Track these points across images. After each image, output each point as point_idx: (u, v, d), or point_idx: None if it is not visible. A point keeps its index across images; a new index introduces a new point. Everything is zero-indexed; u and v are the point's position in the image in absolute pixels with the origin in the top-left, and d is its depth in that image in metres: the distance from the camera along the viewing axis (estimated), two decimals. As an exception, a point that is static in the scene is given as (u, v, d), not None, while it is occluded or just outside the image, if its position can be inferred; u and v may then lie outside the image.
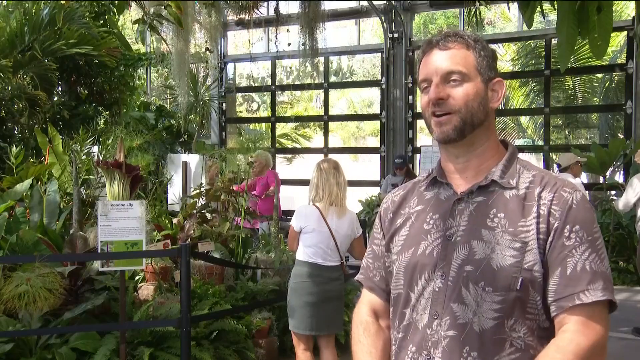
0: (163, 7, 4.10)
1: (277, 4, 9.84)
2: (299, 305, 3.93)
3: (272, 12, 10.28)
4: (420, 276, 1.44)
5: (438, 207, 1.49)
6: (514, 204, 1.39)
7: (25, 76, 8.92)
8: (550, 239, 1.35)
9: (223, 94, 12.20)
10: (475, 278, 1.36)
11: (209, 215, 5.75)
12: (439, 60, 1.45)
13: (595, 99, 13.41)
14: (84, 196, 5.61)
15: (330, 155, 11.39)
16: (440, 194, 1.51)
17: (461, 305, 1.37)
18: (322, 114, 12.39)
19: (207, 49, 9.74)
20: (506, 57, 14.99)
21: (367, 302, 1.63)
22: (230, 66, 12.79)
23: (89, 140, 6.59)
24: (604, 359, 1.34)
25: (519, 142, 15.51)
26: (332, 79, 18.16)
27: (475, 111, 1.43)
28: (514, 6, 9.17)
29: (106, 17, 10.13)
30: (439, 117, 1.43)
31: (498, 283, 1.34)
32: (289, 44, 10.52)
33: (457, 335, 1.36)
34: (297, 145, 17.94)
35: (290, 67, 17.35)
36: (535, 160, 14.35)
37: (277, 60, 12.42)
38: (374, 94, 20.36)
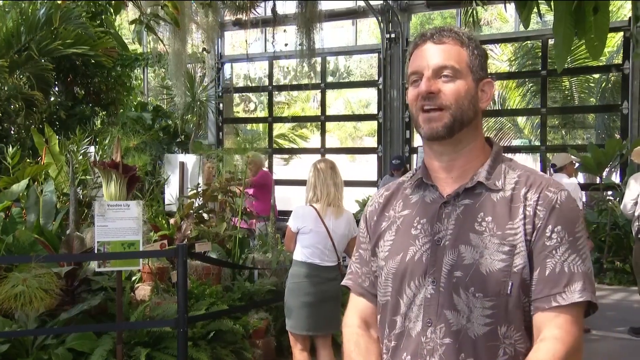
0: (160, 7, 4.09)
1: (274, 4, 9.84)
2: (297, 306, 3.94)
3: (269, 13, 10.28)
4: (410, 283, 1.41)
5: (425, 211, 1.45)
6: (501, 207, 1.37)
7: (21, 76, 8.91)
8: (532, 239, 1.34)
9: (220, 94, 12.18)
10: (465, 284, 1.34)
11: (206, 216, 5.75)
12: (432, 54, 1.41)
13: (591, 99, 13.45)
14: (81, 196, 5.60)
15: (328, 156, 11.38)
16: (426, 196, 1.47)
17: (454, 312, 1.35)
18: (319, 114, 12.39)
19: (204, 49, 9.72)
20: (503, 58, 15.02)
21: (356, 310, 1.59)
22: (227, 66, 12.78)
23: (85, 141, 6.57)
24: (581, 358, 1.34)
25: (516, 142, 15.53)
26: (329, 79, 18.14)
27: (465, 109, 1.40)
28: (511, 7, 9.18)
29: (103, 17, 10.13)
30: (429, 113, 1.39)
31: (488, 288, 1.32)
32: (286, 44, 10.52)
33: (453, 342, 1.34)
34: (294, 146, 17.92)
35: (288, 68, 17.36)
36: (532, 160, 14.36)
37: (274, 61, 12.40)
38: (371, 94, 20.35)
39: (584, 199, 6.04)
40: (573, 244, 1.33)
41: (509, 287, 1.32)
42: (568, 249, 1.33)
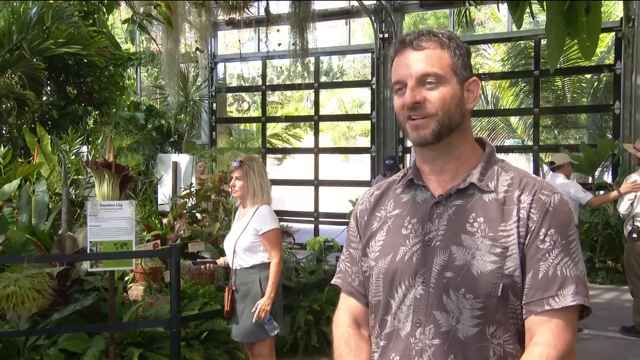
0: (153, 6, 4.07)
1: (268, 4, 9.83)
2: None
3: (262, 12, 10.27)
4: (400, 283, 1.40)
5: (416, 211, 1.44)
6: (494, 208, 1.36)
7: (13, 75, 8.87)
8: (525, 242, 1.33)
9: (213, 93, 12.16)
10: (456, 285, 1.33)
11: (199, 216, 5.74)
12: (414, 62, 1.40)
13: (583, 99, 13.51)
14: (73, 196, 5.58)
15: (321, 155, 11.40)
16: (417, 196, 1.46)
17: (443, 312, 1.34)
18: (313, 114, 12.38)
19: (197, 48, 9.70)
20: (496, 57, 15.07)
21: (347, 309, 1.58)
22: (220, 66, 12.76)
23: (78, 140, 6.54)
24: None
25: (509, 142, 15.58)
26: (323, 79, 18.18)
27: (452, 114, 1.38)
28: (504, 6, 9.21)
29: (95, 16, 10.09)
30: (415, 121, 1.39)
31: (479, 290, 1.32)
32: (279, 44, 10.51)
33: (442, 343, 1.33)
34: (288, 145, 17.95)
35: (281, 67, 17.32)
36: (524, 160, 14.41)
37: (267, 60, 12.39)
38: (365, 94, 20.41)
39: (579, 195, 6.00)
40: (566, 247, 1.33)
41: (500, 289, 1.31)
42: (561, 252, 1.32)
